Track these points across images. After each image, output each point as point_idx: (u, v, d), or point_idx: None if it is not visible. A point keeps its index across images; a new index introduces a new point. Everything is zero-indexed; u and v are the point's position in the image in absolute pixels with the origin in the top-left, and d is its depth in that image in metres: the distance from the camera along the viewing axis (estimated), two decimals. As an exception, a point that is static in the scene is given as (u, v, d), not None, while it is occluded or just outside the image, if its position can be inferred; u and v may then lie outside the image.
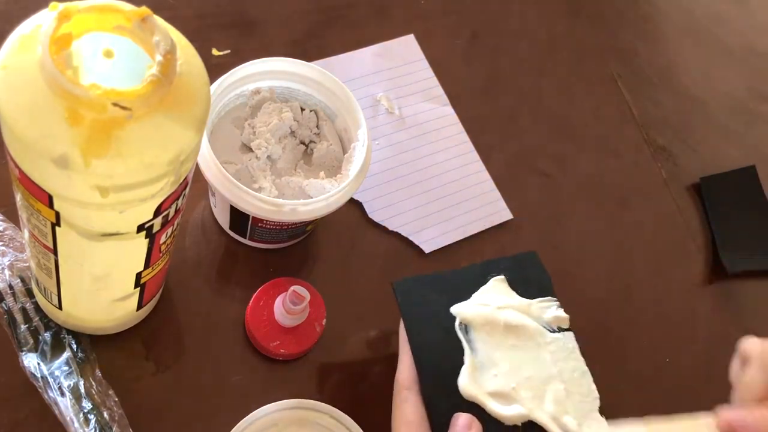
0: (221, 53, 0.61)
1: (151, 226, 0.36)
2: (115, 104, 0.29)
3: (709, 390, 0.58)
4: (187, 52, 0.34)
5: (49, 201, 0.33)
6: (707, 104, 0.75)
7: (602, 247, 0.64)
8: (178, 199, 0.37)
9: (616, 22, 0.77)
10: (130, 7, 0.32)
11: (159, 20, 0.33)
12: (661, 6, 0.81)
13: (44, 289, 0.44)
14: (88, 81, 0.30)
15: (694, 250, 0.66)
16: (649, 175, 0.69)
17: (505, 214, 0.62)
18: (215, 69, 0.52)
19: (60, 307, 0.45)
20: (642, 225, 0.66)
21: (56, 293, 0.43)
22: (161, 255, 0.41)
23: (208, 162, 0.47)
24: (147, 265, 0.41)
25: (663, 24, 0.80)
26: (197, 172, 0.48)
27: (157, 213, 0.35)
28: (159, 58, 0.31)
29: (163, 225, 0.37)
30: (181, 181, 0.35)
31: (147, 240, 0.38)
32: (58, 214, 0.34)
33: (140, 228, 0.36)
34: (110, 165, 0.30)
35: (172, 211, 0.37)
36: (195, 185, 0.54)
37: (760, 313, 0.65)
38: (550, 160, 0.66)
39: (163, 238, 0.39)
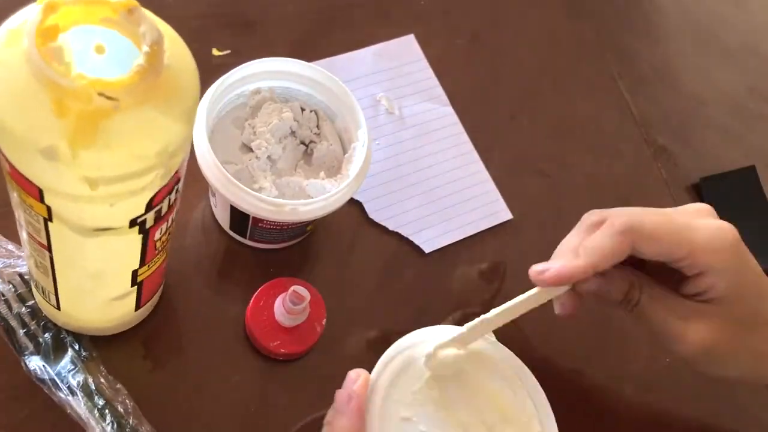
0: (221, 53, 0.61)
1: (144, 221, 0.36)
2: (101, 94, 0.30)
3: (710, 391, 0.58)
4: (175, 45, 0.34)
5: (40, 195, 0.33)
6: (707, 104, 0.75)
7: (602, 247, 0.64)
8: (170, 193, 0.36)
9: (616, 22, 0.77)
10: None
11: (145, 12, 0.33)
12: (661, 6, 0.81)
13: (42, 289, 0.44)
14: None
15: (694, 250, 0.66)
16: (649, 175, 0.69)
17: (505, 214, 0.62)
18: (215, 69, 0.53)
19: (58, 308, 0.45)
20: (642, 225, 0.66)
21: (54, 293, 0.43)
22: (157, 252, 0.41)
23: (209, 162, 0.48)
24: (143, 262, 0.41)
25: (663, 24, 0.80)
26: (197, 172, 0.48)
27: (149, 207, 0.36)
28: (145, 48, 0.31)
29: (157, 221, 0.37)
30: (172, 174, 0.35)
31: (141, 236, 0.38)
32: (49, 209, 0.34)
33: (133, 222, 0.36)
34: (98, 156, 0.30)
35: (165, 206, 0.37)
36: (195, 185, 0.54)
37: (760, 313, 0.65)
38: (550, 160, 0.66)
39: (157, 235, 0.39)
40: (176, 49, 0.34)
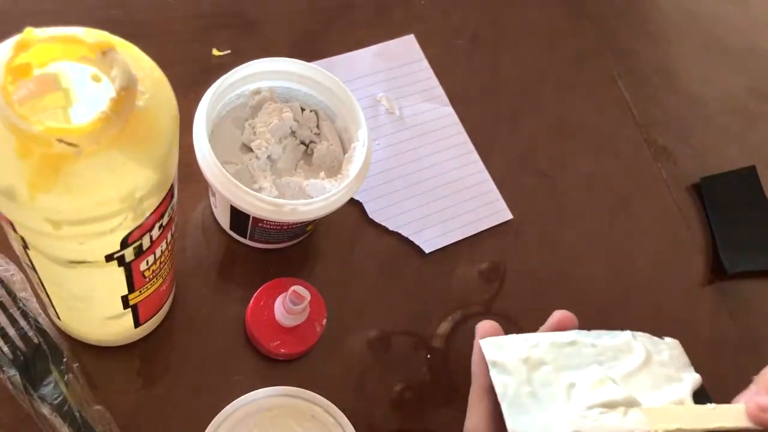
0: (221, 53, 0.61)
1: (122, 256, 0.35)
2: (60, 140, 0.29)
3: (709, 390, 0.58)
4: (158, 86, 0.33)
5: (12, 226, 0.33)
6: (707, 104, 0.75)
7: (602, 247, 0.64)
8: (150, 230, 0.35)
9: (616, 22, 0.77)
10: (93, 38, 0.31)
11: (123, 52, 0.31)
12: (661, 6, 0.81)
13: (44, 300, 0.44)
14: (78, 103, 0.30)
15: (694, 250, 0.66)
16: (649, 175, 0.69)
17: (505, 214, 0.62)
18: (215, 69, 0.53)
19: (59, 318, 0.45)
20: (642, 225, 0.66)
21: (51, 306, 0.43)
22: (147, 280, 0.40)
23: (209, 162, 0.48)
24: (131, 289, 0.40)
25: (663, 24, 0.80)
26: (197, 172, 0.48)
27: (124, 245, 0.35)
28: (112, 94, 0.30)
29: (139, 255, 0.36)
30: (148, 215, 0.34)
31: (122, 268, 0.37)
32: (24, 239, 0.34)
33: (109, 257, 0.35)
34: (57, 200, 0.30)
35: (146, 241, 0.36)
36: (195, 185, 0.54)
37: (760, 313, 0.65)
38: (550, 160, 0.66)
39: (143, 266, 0.38)
40: (158, 90, 0.33)
